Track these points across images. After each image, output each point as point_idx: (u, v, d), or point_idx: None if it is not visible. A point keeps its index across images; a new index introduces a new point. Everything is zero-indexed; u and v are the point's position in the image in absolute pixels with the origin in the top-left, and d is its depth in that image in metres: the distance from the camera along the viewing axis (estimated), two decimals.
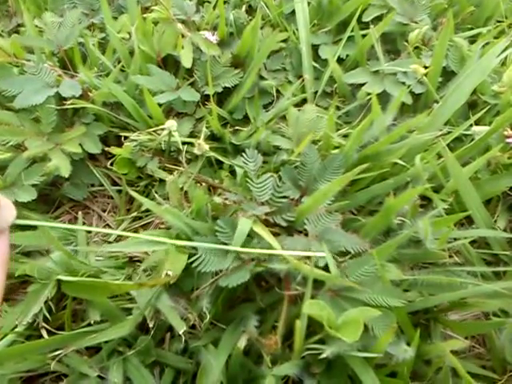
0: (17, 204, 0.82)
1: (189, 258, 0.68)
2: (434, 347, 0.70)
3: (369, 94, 0.97)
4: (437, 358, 0.69)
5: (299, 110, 0.93)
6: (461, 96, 0.89)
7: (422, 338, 0.67)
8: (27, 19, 1.01)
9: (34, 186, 0.84)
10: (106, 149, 0.92)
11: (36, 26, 1.02)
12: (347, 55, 1.06)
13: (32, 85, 0.88)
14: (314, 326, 0.66)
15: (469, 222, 0.86)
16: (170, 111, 1.00)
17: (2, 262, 0.36)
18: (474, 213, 0.81)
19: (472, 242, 0.82)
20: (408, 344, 0.65)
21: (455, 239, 0.79)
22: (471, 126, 0.89)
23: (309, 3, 1.09)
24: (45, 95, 0.86)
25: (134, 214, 0.91)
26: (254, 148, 0.80)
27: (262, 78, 1.03)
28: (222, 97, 1.00)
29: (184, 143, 0.90)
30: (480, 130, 0.87)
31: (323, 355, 0.59)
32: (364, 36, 1.03)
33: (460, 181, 0.80)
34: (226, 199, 0.78)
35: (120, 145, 0.92)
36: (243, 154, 0.78)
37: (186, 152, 0.91)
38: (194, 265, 0.65)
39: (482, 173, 0.88)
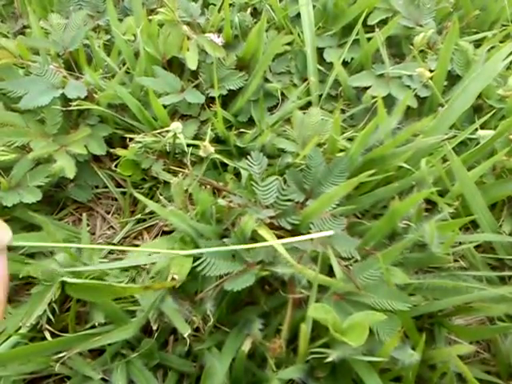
0: (21, 205, 0.82)
1: (194, 260, 0.68)
2: (439, 352, 0.70)
3: (374, 97, 0.97)
4: (442, 363, 0.69)
5: (304, 113, 0.93)
6: (466, 100, 0.89)
7: (427, 343, 0.67)
8: (33, 21, 1.01)
9: (38, 187, 0.84)
10: (111, 150, 0.92)
11: (42, 28, 1.02)
12: (352, 58, 1.06)
13: (37, 86, 0.88)
14: (318, 330, 0.66)
15: (474, 226, 0.86)
16: (174, 113, 1.00)
17: (1, 282, 0.35)
18: (480, 217, 0.81)
19: (477, 247, 0.82)
20: (413, 348, 0.64)
21: (460, 243, 0.79)
22: (476, 130, 0.89)
23: (314, 6, 1.09)
24: (50, 96, 0.86)
25: (138, 216, 0.91)
26: (258, 151, 0.80)
27: (266, 80, 1.03)
28: (227, 99, 1.00)
29: (189, 145, 0.90)
30: (485, 134, 0.87)
31: (328, 359, 0.59)
32: (369, 39, 1.03)
33: (465, 185, 0.80)
34: (230, 202, 0.77)
35: (125, 146, 0.92)
36: (248, 156, 0.78)
37: (191, 154, 0.91)
38: (198, 268, 0.65)
39: (488, 177, 0.88)
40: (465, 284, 0.72)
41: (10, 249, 0.81)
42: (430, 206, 0.83)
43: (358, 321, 0.60)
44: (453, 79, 1.02)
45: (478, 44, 1.08)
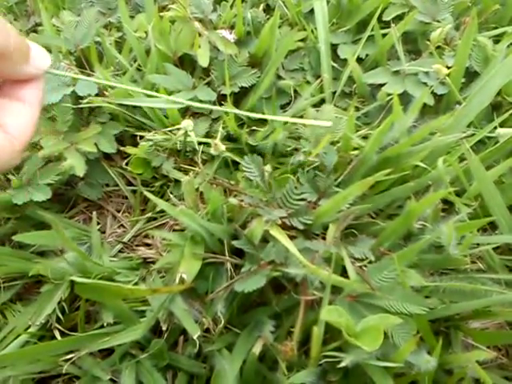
0: (32, 203, 0.81)
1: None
2: (456, 357, 0.68)
3: (389, 94, 0.94)
4: (459, 369, 0.67)
5: (317, 111, 0.91)
6: (485, 97, 0.86)
7: (443, 347, 0.65)
8: (45, 18, 1.01)
9: (49, 185, 0.83)
10: (122, 148, 0.91)
11: (53, 25, 1.02)
12: (367, 55, 1.04)
13: (48, 83, 0.87)
14: (331, 333, 0.64)
15: (492, 227, 0.83)
16: (186, 111, 0.98)
17: (38, 102, 0.40)
18: (498, 218, 0.78)
19: (495, 248, 0.79)
20: (429, 353, 0.63)
21: (478, 245, 0.76)
22: (495, 128, 0.86)
23: (328, 2, 1.07)
24: (61, 94, 0.86)
25: (149, 214, 0.90)
26: (271, 149, 0.79)
27: (279, 77, 1.01)
28: (239, 97, 0.99)
29: (200, 143, 0.89)
30: (505, 133, 0.84)
31: (342, 364, 0.57)
32: (384, 35, 1.00)
33: (484, 185, 0.78)
34: (241, 201, 0.76)
35: (135, 144, 0.91)
36: (242, 163, 0.76)
37: (202, 152, 0.89)
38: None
39: (507, 177, 0.85)
40: (483, 287, 0.69)
41: None
42: (447, 207, 0.81)
43: (373, 324, 0.58)
44: (471, 76, 0.99)
45: (497, 40, 1.04)
